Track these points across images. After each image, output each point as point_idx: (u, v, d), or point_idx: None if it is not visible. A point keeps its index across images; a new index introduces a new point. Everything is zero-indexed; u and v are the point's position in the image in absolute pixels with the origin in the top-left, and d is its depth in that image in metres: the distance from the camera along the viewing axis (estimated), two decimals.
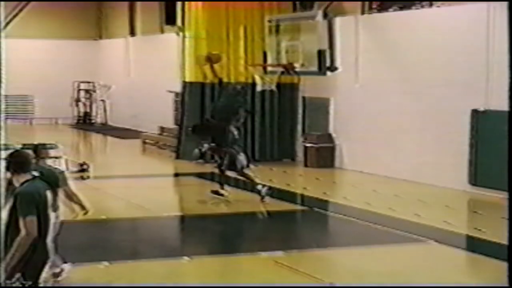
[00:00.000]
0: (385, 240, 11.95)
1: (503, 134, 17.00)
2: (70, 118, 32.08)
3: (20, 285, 6.11)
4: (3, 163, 6.51)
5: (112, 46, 32.32)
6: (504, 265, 10.13)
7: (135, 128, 28.16)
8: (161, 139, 23.78)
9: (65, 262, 9.20)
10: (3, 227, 6.14)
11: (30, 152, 6.79)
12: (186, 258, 10.57)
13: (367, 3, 19.15)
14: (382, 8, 18.89)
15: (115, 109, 31.48)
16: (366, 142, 18.81)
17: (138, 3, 29.85)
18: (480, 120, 15.65)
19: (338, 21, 18.69)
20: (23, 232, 6.00)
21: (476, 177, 15.75)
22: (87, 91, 32.38)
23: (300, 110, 21.14)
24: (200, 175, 17.83)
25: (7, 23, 22.61)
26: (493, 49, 15.26)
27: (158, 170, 20.08)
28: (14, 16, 22.81)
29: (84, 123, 31.84)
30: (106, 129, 30.22)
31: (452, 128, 16.35)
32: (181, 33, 21.41)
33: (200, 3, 20.48)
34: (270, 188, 15.13)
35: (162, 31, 27.44)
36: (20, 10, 22.39)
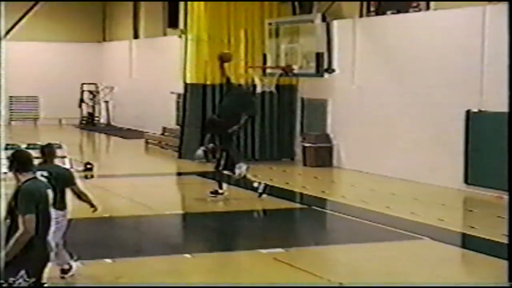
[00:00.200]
0: (381, 238, 11.98)
1: (497, 134, 16.98)
2: (75, 118, 32.10)
3: (25, 282, 6.13)
4: (3, 163, 6.54)
5: (116, 49, 32.34)
6: (497, 261, 10.21)
7: (138, 129, 28.20)
8: (164, 139, 23.82)
9: (76, 259, 9.24)
10: (3, 226, 6.18)
11: (31, 151, 6.80)
12: (188, 255, 10.60)
13: (364, 7, 19.17)
14: (379, 12, 18.91)
15: (118, 109, 31.49)
16: (363, 142, 18.84)
17: (142, 7, 29.87)
18: (474, 120, 15.69)
19: (336, 24, 18.74)
20: (21, 229, 6.05)
21: (470, 176, 15.79)
22: (91, 92, 32.40)
23: (298, 111, 21.16)
24: (202, 174, 17.84)
25: (13, 26, 22.64)
26: (487, 51, 15.30)
27: (160, 169, 20.09)
28: (21, 19, 22.79)
29: (88, 123, 31.85)
30: (109, 129, 30.23)
31: (447, 128, 16.37)
32: (183, 36, 21.44)
33: (202, 6, 20.51)
34: (266, 185, 15.16)
35: (165, 34, 27.46)
36: (27, 12, 22.39)
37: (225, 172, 15.05)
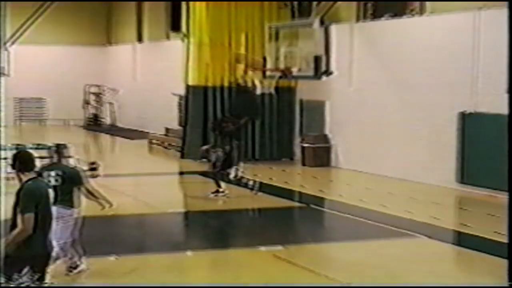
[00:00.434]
0: (378, 235, 11.98)
1: (489, 135, 17.01)
2: (80, 119, 32.15)
3: (28, 279, 6.13)
4: (3, 162, 6.55)
5: (120, 52, 32.36)
6: (489, 257, 10.21)
7: (142, 129, 28.22)
8: (167, 139, 23.83)
9: (86, 256, 9.21)
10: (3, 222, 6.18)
11: (33, 151, 6.80)
12: (190, 252, 10.60)
13: (361, 12, 19.17)
14: (376, 15, 18.94)
15: (122, 111, 31.52)
16: (360, 142, 18.85)
17: (146, 11, 29.88)
18: (467, 121, 15.70)
19: (334, 28, 18.70)
20: (19, 227, 6.06)
21: (464, 176, 15.80)
22: (96, 94, 32.43)
23: (297, 112, 21.18)
24: (204, 174, 17.83)
25: (24, 31, 22.65)
26: (481, 55, 15.31)
27: (163, 169, 20.10)
28: (31, 24, 22.84)
29: (94, 124, 31.88)
30: (114, 130, 30.25)
31: (442, 129, 16.38)
32: (185, 39, 21.45)
33: (204, 10, 20.50)
34: (255, 182, 15.32)
35: (168, 38, 27.46)
36: (37, 18, 22.45)
37: (222, 172, 15.07)
